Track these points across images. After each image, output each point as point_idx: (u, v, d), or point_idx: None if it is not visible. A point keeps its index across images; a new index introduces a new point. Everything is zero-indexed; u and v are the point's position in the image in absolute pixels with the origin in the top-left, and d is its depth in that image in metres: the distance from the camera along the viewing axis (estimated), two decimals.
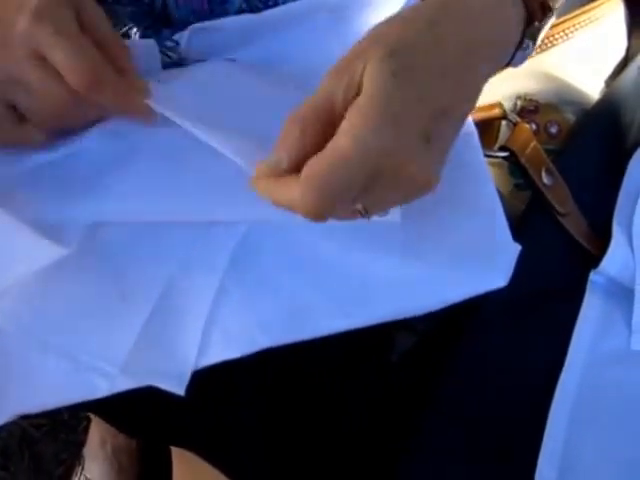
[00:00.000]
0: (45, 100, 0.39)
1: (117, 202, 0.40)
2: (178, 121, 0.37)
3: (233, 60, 0.47)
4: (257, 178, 0.34)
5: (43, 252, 0.38)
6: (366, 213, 0.34)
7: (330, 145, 0.32)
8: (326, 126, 0.33)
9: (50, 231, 0.38)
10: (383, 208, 0.35)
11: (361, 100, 0.32)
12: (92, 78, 0.38)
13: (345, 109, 0.32)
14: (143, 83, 0.41)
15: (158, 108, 0.39)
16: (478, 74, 0.36)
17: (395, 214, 0.36)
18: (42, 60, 0.38)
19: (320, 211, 0.32)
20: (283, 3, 0.47)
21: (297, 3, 0.46)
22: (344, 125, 0.32)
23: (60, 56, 0.38)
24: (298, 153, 0.33)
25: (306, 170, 0.32)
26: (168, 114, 0.38)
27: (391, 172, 0.32)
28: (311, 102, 0.33)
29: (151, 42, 0.44)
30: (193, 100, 0.42)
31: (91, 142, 0.42)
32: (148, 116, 0.40)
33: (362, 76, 0.32)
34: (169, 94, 0.41)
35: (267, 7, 0.49)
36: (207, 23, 0.48)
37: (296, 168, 0.33)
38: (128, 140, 0.42)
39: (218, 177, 0.38)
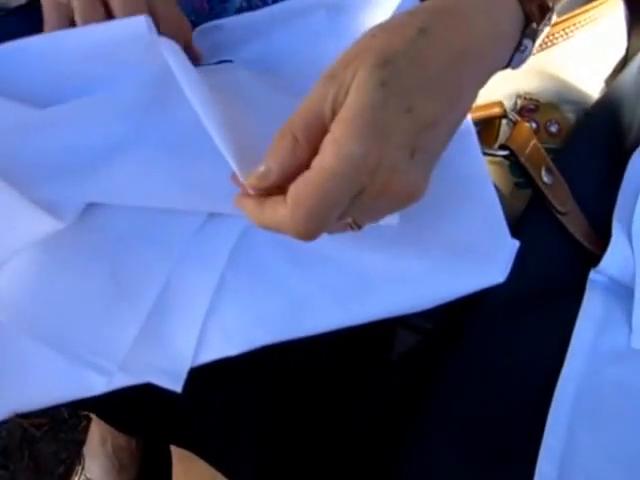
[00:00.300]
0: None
1: (117, 183, 0.40)
2: (196, 103, 0.36)
3: (231, 61, 0.47)
4: (243, 197, 0.34)
5: (39, 224, 0.37)
6: (356, 225, 0.34)
7: (316, 162, 0.31)
8: (316, 135, 0.32)
9: (47, 207, 0.38)
10: (372, 219, 0.35)
11: (347, 110, 0.31)
12: None
13: (333, 118, 0.31)
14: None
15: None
16: (471, 82, 0.35)
17: (393, 217, 0.36)
18: None
19: (311, 231, 0.32)
20: (282, 0, 0.47)
21: (296, 1, 0.47)
22: (328, 138, 0.31)
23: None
24: (288, 163, 0.32)
25: (293, 191, 0.31)
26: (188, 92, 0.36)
27: (377, 185, 0.32)
28: (301, 111, 0.33)
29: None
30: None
31: (97, 124, 0.41)
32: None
33: (350, 85, 0.31)
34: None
35: (266, 5, 0.49)
36: (208, 24, 0.48)
37: (285, 179, 0.32)
38: (134, 124, 0.42)
39: (223, 169, 0.37)
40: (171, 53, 0.35)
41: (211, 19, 0.48)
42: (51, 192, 0.38)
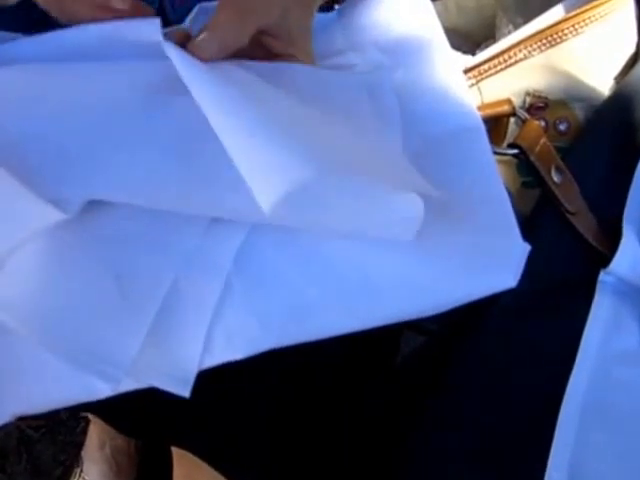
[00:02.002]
0: None
1: (119, 180, 0.39)
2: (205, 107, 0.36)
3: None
4: None
5: (41, 214, 0.37)
6: None
7: None
8: None
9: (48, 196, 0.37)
10: None
11: None
12: None
13: None
14: None
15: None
16: None
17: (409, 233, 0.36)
18: None
19: None
20: None
21: None
22: None
23: None
24: None
25: None
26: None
27: None
28: None
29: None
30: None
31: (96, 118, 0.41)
32: None
33: None
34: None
35: None
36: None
37: None
38: (138, 122, 0.41)
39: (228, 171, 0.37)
40: (176, 54, 0.35)
41: None
42: (53, 185, 0.38)
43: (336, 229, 0.39)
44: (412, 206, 0.37)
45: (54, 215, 0.37)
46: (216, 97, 0.34)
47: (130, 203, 0.39)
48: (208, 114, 0.33)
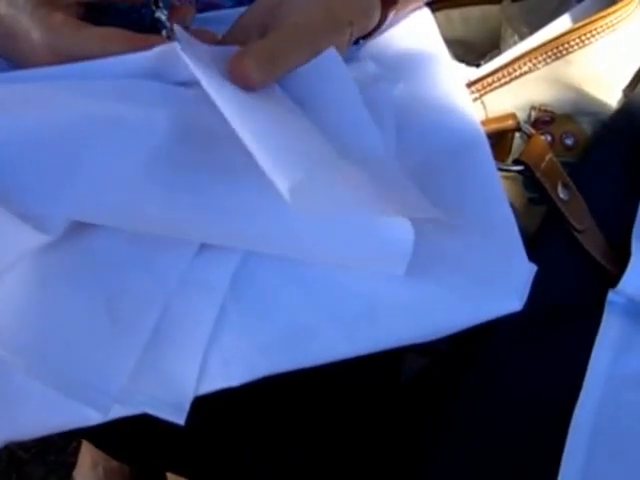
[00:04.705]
0: None
1: (105, 203, 0.39)
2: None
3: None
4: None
5: (23, 238, 0.37)
6: None
7: None
8: None
9: (30, 220, 0.37)
10: None
11: None
12: None
13: None
14: None
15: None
16: None
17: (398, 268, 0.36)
18: None
19: None
20: None
21: None
22: None
23: None
24: None
25: None
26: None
27: None
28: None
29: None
30: None
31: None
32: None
33: None
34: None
35: None
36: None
37: None
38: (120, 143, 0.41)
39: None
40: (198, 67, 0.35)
41: None
42: (32, 204, 0.38)
43: (318, 258, 0.39)
44: (402, 234, 0.36)
45: (35, 238, 0.37)
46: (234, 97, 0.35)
47: (112, 225, 0.39)
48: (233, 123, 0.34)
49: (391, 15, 0.47)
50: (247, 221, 0.37)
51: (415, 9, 0.51)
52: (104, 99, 0.40)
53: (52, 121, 0.39)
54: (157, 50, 0.40)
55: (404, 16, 0.50)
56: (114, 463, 0.86)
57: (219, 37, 0.45)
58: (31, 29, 0.41)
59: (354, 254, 0.38)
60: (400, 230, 0.36)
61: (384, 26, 0.47)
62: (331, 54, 0.40)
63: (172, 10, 0.46)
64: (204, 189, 0.37)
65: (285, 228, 0.36)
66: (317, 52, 0.41)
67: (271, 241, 0.37)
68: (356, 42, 0.47)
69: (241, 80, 0.38)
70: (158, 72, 0.41)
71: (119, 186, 0.38)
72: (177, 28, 0.40)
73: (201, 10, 0.52)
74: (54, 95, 0.40)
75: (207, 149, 0.39)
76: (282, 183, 0.33)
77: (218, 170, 0.38)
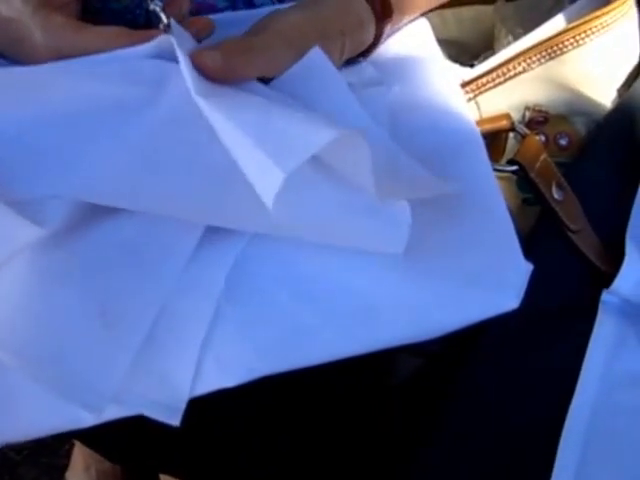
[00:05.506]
0: None
1: (92, 178, 0.39)
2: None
3: None
4: None
5: (19, 231, 0.37)
6: None
7: None
8: None
9: (26, 213, 0.37)
10: None
11: None
12: None
13: None
14: None
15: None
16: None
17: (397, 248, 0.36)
18: None
19: None
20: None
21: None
22: None
23: None
24: None
25: None
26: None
27: None
28: None
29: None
30: None
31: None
32: None
33: None
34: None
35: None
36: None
37: None
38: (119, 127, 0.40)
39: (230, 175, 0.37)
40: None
41: None
42: (27, 191, 0.38)
43: (318, 237, 0.39)
44: (399, 216, 0.36)
45: (32, 232, 0.37)
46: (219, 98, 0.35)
47: (107, 203, 0.38)
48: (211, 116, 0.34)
49: (387, 29, 0.47)
50: (246, 200, 0.37)
51: (412, 21, 0.51)
52: (106, 81, 0.40)
53: (52, 105, 0.39)
54: (157, 40, 0.40)
55: (400, 29, 0.50)
56: (107, 465, 0.86)
57: (214, 24, 0.45)
58: (32, 32, 0.41)
59: (352, 234, 0.38)
60: (398, 211, 0.36)
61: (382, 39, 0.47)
62: (316, 52, 0.41)
63: (167, 2, 0.46)
64: (206, 164, 0.38)
65: (283, 208, 0.36)
66: (302, 55, 0.40)
67: (268, 221, 0.37)
68: (357, 58, 0.47)
69: (201, 67, 0.38)
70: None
71: (119, 165, 0.38)
72: (173, 24, 0.40)
73: (195, 11, 0.52)
74: (53, 79, 0.40)
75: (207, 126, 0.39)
76: (265, 194, 0.33)
77: (217, 144, 0.38)
